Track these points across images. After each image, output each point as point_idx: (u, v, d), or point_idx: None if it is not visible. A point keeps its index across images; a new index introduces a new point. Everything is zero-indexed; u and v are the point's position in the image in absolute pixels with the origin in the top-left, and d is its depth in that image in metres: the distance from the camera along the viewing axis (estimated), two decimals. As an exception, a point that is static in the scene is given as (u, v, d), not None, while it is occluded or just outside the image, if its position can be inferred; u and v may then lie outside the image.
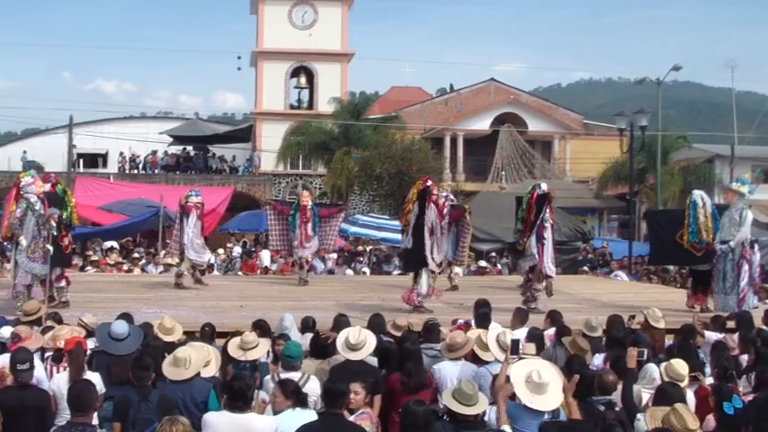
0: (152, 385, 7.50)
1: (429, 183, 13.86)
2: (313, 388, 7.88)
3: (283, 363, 8.22)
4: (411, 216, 13.75)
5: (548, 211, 13.94)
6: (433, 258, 13.87)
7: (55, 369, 8.40)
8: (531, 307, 13.40)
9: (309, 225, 17.98)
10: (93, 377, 7.68)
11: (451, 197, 18.35)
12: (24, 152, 51.37)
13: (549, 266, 14.17)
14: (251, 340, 8.77)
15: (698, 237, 13.66)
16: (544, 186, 14.12)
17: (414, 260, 14.12)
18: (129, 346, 8.22)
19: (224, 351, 8.86)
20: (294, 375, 7.88)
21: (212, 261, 23.29)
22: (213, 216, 28.65)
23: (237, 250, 26.21)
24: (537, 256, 13.89)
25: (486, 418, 7.33)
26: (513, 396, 7.40)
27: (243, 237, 30.72)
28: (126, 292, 15.82)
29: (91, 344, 8.88)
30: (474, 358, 8.89)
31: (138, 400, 7.21)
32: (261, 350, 8.88)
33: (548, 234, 14.01)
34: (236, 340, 8.88)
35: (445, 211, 17.24)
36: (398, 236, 27.00)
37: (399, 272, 15.59)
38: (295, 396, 7.17)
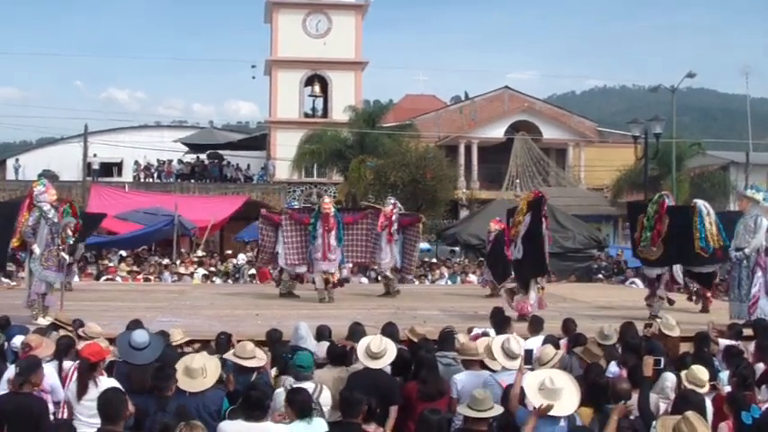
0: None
1: (540, 195, 13.94)
2: (326, 397, 7.87)
3: (295, 373, 8.14)
4: (522, 227, 13.65)
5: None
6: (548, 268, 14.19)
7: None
8: (656, 314, 13.56)
9: (333, 234, 16.33)
10: (110, 382, 7.60)
11: (399, 205, 18.34)
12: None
13: (679, 274, 14.87)
14: (249, 349, 8.77)
15: (706, 243, 13.91)
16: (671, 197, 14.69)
17: (528, 270, 13.88)
18: (149, 356, 8.17)
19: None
20: (308, 386, 7.83)
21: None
22: (220, 222, 28.90)
23: (243, 258, 26.08)
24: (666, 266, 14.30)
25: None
26: (524, 403, 7.42)
27: (257, 245, 30.71)
28: (141, 301, 15.89)
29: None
30: (483, 366, 8.89)
31: (155, 410, 7.21)
32: (260, 359, 8.85)
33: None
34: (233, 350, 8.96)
35: (394, 217, 17.46)
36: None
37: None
38: (305, 406, 7.06)
